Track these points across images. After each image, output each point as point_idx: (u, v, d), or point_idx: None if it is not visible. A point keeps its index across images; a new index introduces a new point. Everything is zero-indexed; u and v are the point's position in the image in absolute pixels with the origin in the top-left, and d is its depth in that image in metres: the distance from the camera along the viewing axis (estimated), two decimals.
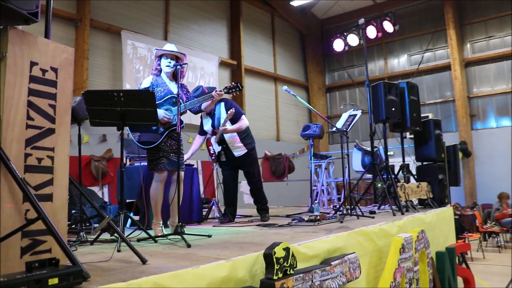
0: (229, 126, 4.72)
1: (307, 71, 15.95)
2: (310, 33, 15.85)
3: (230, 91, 4.18)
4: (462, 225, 8.94)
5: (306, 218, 4.48)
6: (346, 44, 5.90)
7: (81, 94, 3.15)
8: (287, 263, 2.37)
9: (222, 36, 12.84)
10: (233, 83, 4.27)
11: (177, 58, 4.01)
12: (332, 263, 2.92)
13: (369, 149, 6.06)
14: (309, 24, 15.84)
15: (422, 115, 12.15)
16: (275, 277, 2.27)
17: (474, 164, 12.71)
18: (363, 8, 14.39)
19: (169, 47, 4.02)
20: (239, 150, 4.90)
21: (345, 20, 14.92)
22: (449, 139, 12.16)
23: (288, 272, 2.38)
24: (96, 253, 2.72)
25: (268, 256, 2.29)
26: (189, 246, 2.92)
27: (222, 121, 4.72)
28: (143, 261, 2.29)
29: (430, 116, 12.85)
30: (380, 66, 14.93)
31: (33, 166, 2.08)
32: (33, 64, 2.11)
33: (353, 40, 5.80)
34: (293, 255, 2.43)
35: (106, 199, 6.81)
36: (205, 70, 11.82)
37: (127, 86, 9.32)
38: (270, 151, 9.06)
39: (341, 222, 4.36)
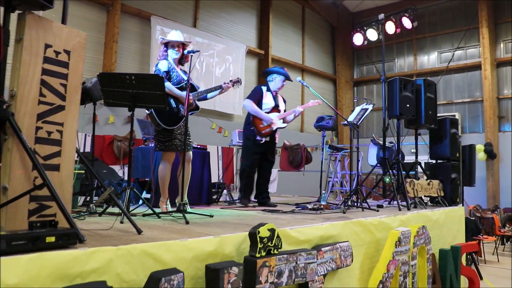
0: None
1: (336, 64, 15.92)
2: (341, 26, 15.79)
3: (234, 84, 4.45)
4: (478, 227, 8.86)
5: (309, 207, 4.63)
6: (365, 38, 5.94)
7: (96, 76, 3.37)
8: (271, 243, 2.53)
9: (251, 26, 12.97)
10: (236, 78, 4.59)
11: (183, 45, 4.21)
12: (322, 249, 3.06)
13: (386, 144, 6.13)
14: (340, 17, 15.78)
15: (448, 114, 12.10)
16: (257, 255, 2.44)
17: (499, 167, 12.48)
18: (396, 3, 14.20)
19: (175, 35, 4.20)
20: (276, 136, 5.45)
21: (377, 14, 14.73)
22: (475, 139, 12.01)
23: (272, 252, 2.54)
24: (100, 223, 2.95)
25: (253, 235, 2.46)
26: (187, 222, 3.12)
27: (282, 107, 5.48)
28: (139, 232, 2.49)
29: (457, 115, 12.69)
30: (410, 62, 14.76)
31: (43, 139, 2.31)
32: (47, 46, 2.33)
33: (372, 35, 5.84)
34: (278, 236, 2.59)
35: (126, 177, 7.09)
36: (232, 59, 12.01)
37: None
38: (289, 141, 9.20)
39: (344, 212, 4.47)
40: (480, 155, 11.89)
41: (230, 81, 4.44)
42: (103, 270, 1.94)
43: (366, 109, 5.24)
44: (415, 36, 14.22)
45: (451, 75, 13.64)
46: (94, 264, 1.92)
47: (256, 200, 5.42)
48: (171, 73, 4.13)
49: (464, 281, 5.27)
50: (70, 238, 1.97)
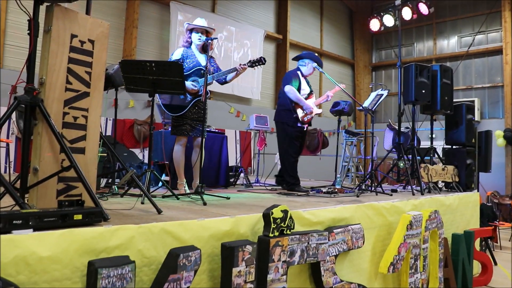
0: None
1: (354, 49, 15.81)
2: (360, 10, 15.63)
3: (254, 64, 4.30)
4: (495, 213, 8.84)
5: (324, 190, 4.74)
6: (382, 24, 5.95)
7: (118, 63, 3.51)
8: (284, 224, 2.65)
9: (269, 10, 12.95)
10: (257, 57, 4.38)
11: (207, 32, 4.31)
12: (334, 230, 3.18)
13: (402, 129, 6.18)
14: (359, 1, 15.61)
15: (468, 99, 11.97)
16: (271, 235, 2.57)
17: None
18: None
19: (200, 22, 4.31)
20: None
21: None
22: (495, 125, 11.87)
23: (284, 232, 2.66)
24: (122, 204, 3.12)
25: (266, 216, 2.59)
26: (205, 204, 3.26)
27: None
28: (159, 211, 2.64)
29: (476, 101, 12.55)
30: (429, 47, 14.56)
31: (70, 123, 2.46)
32: (73, 36, 2.46)
33: (389, 20, 5.84)
34: (291, 217, 2.71)
35: (146, 160, 7.29)
36: (250, 43, 12.06)
37: None
38: None
39: (358, 196, 4.58)
40: (500, 141, 11.76)
41: (249, 61, 4.30)
42: (126, 246, 2.09)
43: (381, 95, 5.28)
44: (435, 20, 14.00)
45: (471, 60, 13.43)
46: (118, 240, 2.07)
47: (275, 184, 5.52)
48: (184, 60, 4.25)
49: (477, 266, 5.33)
50: (95, 216, 2.13)
